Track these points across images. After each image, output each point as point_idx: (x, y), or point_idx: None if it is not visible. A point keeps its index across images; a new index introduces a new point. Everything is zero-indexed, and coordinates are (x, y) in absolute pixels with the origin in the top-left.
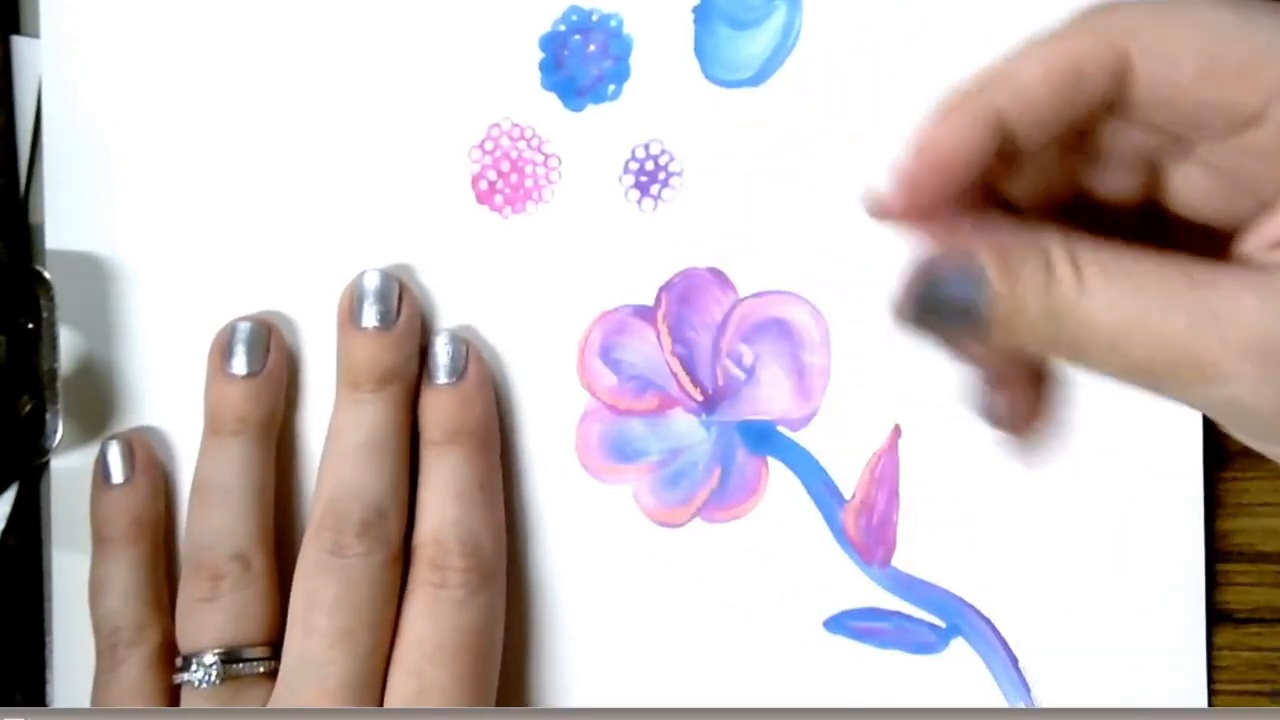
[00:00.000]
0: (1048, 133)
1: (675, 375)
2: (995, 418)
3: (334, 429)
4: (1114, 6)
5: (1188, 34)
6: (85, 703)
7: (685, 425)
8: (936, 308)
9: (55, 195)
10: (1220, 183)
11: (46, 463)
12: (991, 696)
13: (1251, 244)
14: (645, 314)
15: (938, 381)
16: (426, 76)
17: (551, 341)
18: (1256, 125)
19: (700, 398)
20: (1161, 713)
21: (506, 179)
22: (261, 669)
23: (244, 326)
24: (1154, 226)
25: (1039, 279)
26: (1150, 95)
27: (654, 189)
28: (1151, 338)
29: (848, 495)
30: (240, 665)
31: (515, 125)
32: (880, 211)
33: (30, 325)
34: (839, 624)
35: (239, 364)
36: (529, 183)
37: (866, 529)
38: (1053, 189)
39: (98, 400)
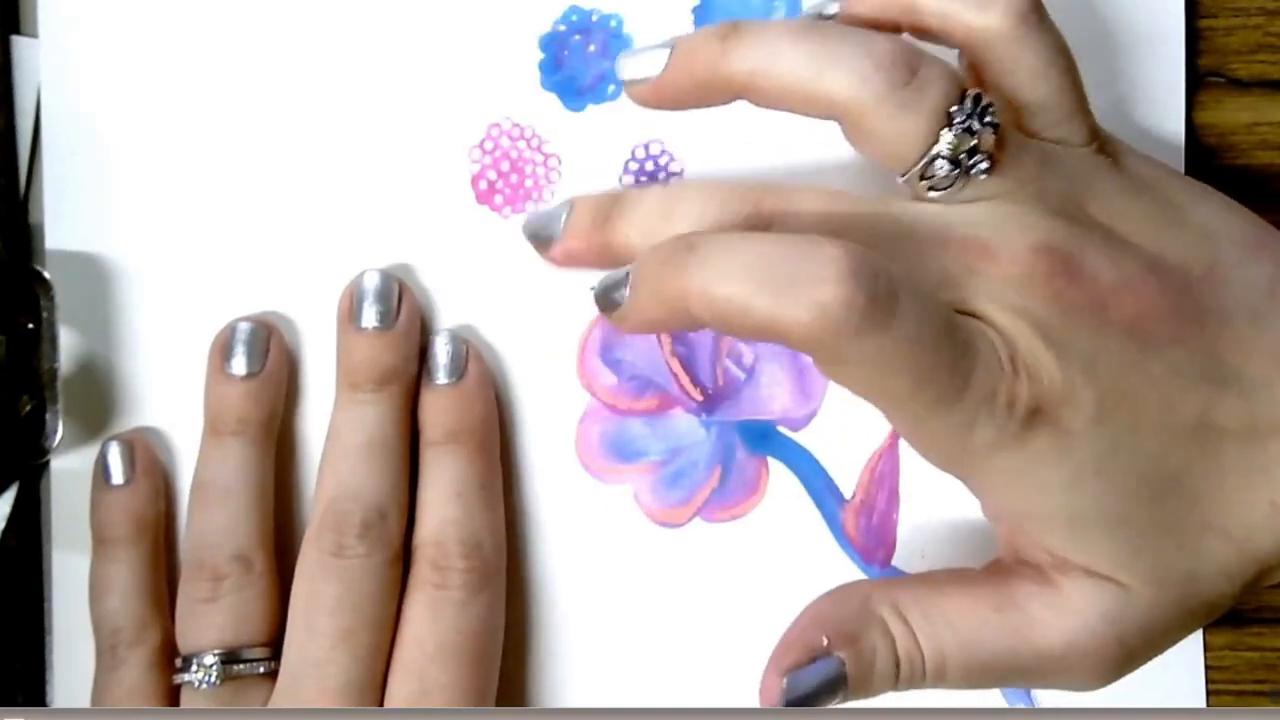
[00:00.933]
0: None
1: (675, 375)
2: None
3: (334, 429)
4: None
5: None
6: (85, 703)
7: (685, 425)
8: (803, 698)
9: (55, 195)
10: None
11: (46, 463)
12: (991, 696)
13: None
14: None
15: None
16: (426, 76)
17: (551, 341)
18: None
19: (700, 398)
20: (1161, 713)
21: (506, 179)
22: (262, 669)
23: (244, 327)
24: None
25: (883, 648)
26: None
27: None
28: (982, 659)
29: (848, 495)
30: (240, 666)
31: (515, 125)
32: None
33: (30, 325)
34: None
35: (239, 364)
36: (529, 183)
37: (866, 529)
38: None
39: (98, 400)
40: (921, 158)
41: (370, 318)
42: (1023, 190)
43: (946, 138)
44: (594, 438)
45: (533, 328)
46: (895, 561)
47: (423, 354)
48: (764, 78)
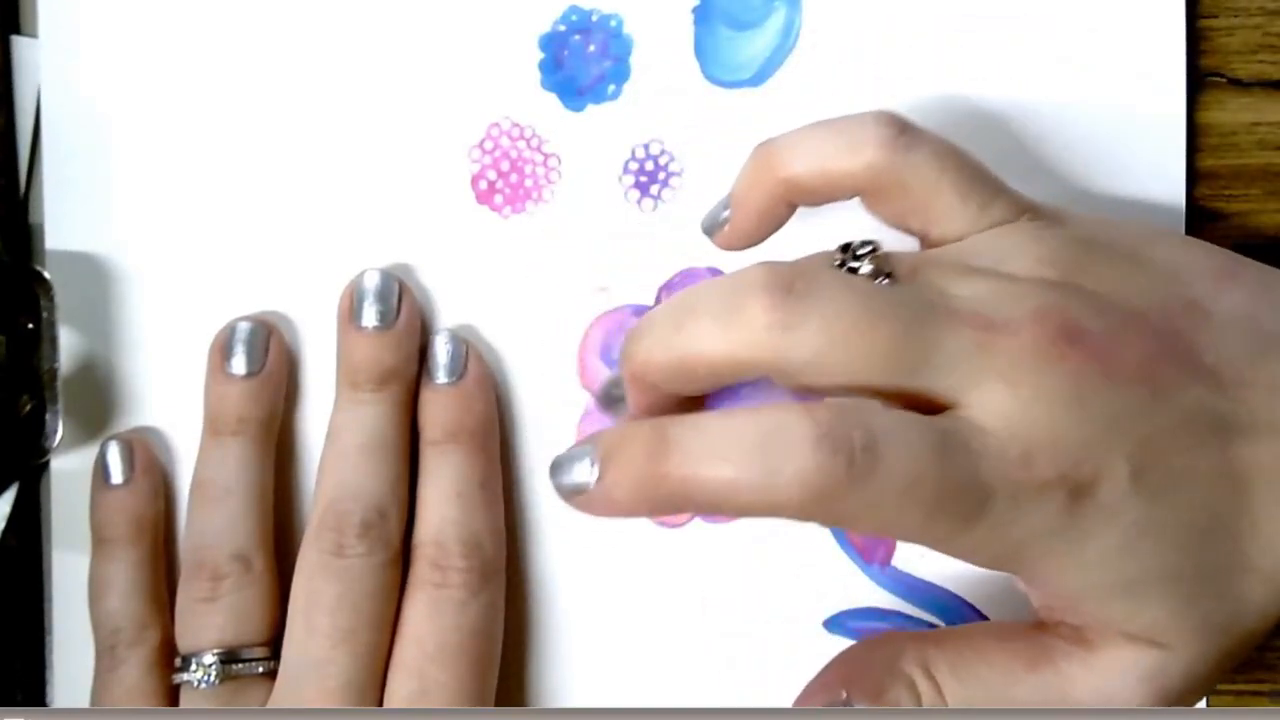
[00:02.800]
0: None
1: None
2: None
3: (334, 429)
4: None
5: None
6: (85, 703)
7: None
8: None
9: (55, 195)
10: None
11: (46, 463)
12: None
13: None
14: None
15: None
16: (426, 76)
17: (551, 341)
18: None
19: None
20: (1161, 713)
21: (506, 179)
22: (261, 669)
23: (243, 326)
24: None
25: (907, 703)
26: None
27: (654, 189)
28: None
29: None
30: (240, 665)
31: (515, 125)
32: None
33: (30, 325)
34: (839, 624)
35: (239, 364)
36: (529, 182)
37: None
38: None
39: (98, 400)
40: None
41: (370, 317)
42: (986, 274)
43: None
44: None
45: (533, 328)
46: (895, 561)
47: (423, 354)
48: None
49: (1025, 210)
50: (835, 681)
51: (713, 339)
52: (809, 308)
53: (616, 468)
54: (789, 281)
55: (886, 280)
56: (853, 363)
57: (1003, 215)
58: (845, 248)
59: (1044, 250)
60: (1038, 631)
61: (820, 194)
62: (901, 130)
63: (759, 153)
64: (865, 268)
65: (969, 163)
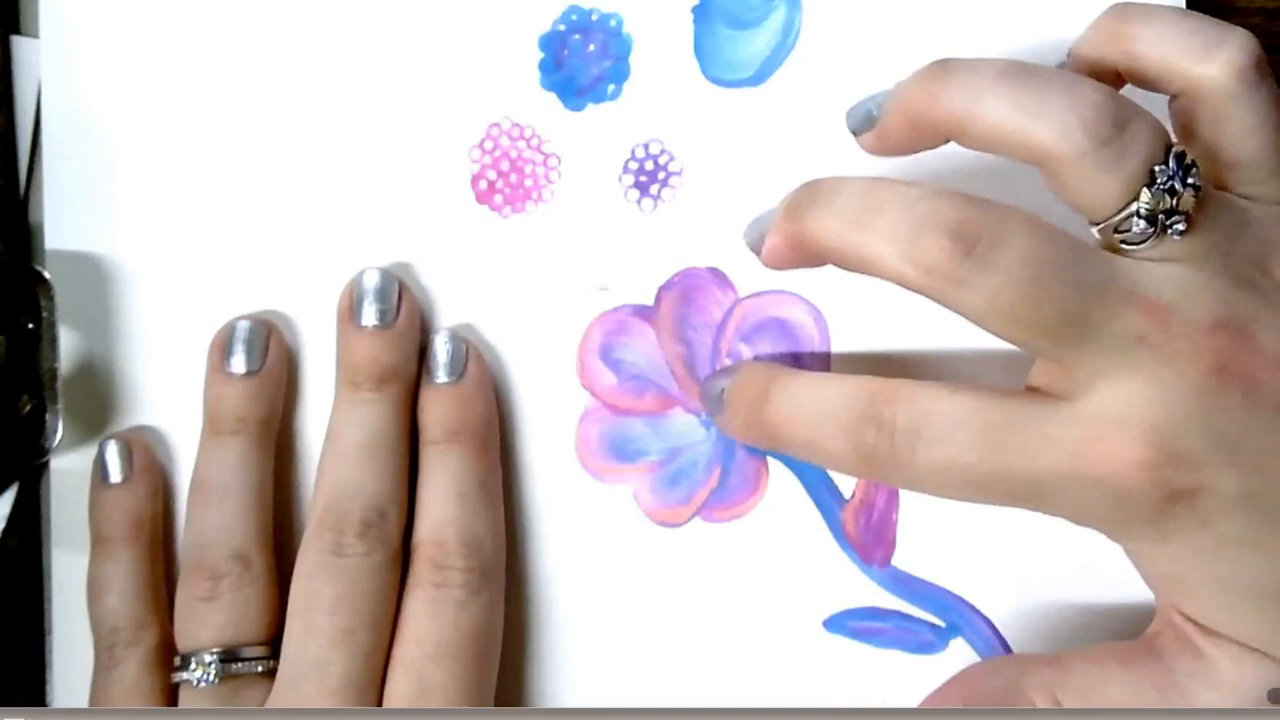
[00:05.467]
0: None
1: (675, 375)
2: None
3: (333, 428)
4: None
5: None
6: (85, 703)
7: (685, 425)
8: None
9: (55, 195)
10: None
11: (46, 463)
12: None
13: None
14: (645, 314)
15: (937, 380)
16: (426, 76)
17: (551, 341)
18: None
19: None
20: (1161, 713)
21: (506, 178)
22: (260, 668)
23: (243, 325)
24: None
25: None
26: None
27: (654, 189)
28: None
29: (847, 495)
30: (239, 664)
31: (515, 125)
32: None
33: (30, 325)
34: (839, 624)
35: (238, 363)
36: (529, 182)
37: (866, 529)
38: None
39: (98, 400)
40: (1118, 213)
41: (370, 316)
42: (1212, 254)
43: (1146, 197)
44: (594, 438)
45: (533, 328)
46: (895, 561)
47: (422, 353)
48: (970, 122)
49: None
50: (953, 697)
51: (885, 254)
52: (985, 271)
53: (732, 404)
54: (975, 234)
55: (1180, 228)
56: (1008, 328)
57: (1269, 193)
58: (1181, 158)
59: (1277, 248)
60: (1160, 651)
61: (1153, 84)
62: (1259, 61)
63: (1107, 17)
64: (1184, 197)
65: None
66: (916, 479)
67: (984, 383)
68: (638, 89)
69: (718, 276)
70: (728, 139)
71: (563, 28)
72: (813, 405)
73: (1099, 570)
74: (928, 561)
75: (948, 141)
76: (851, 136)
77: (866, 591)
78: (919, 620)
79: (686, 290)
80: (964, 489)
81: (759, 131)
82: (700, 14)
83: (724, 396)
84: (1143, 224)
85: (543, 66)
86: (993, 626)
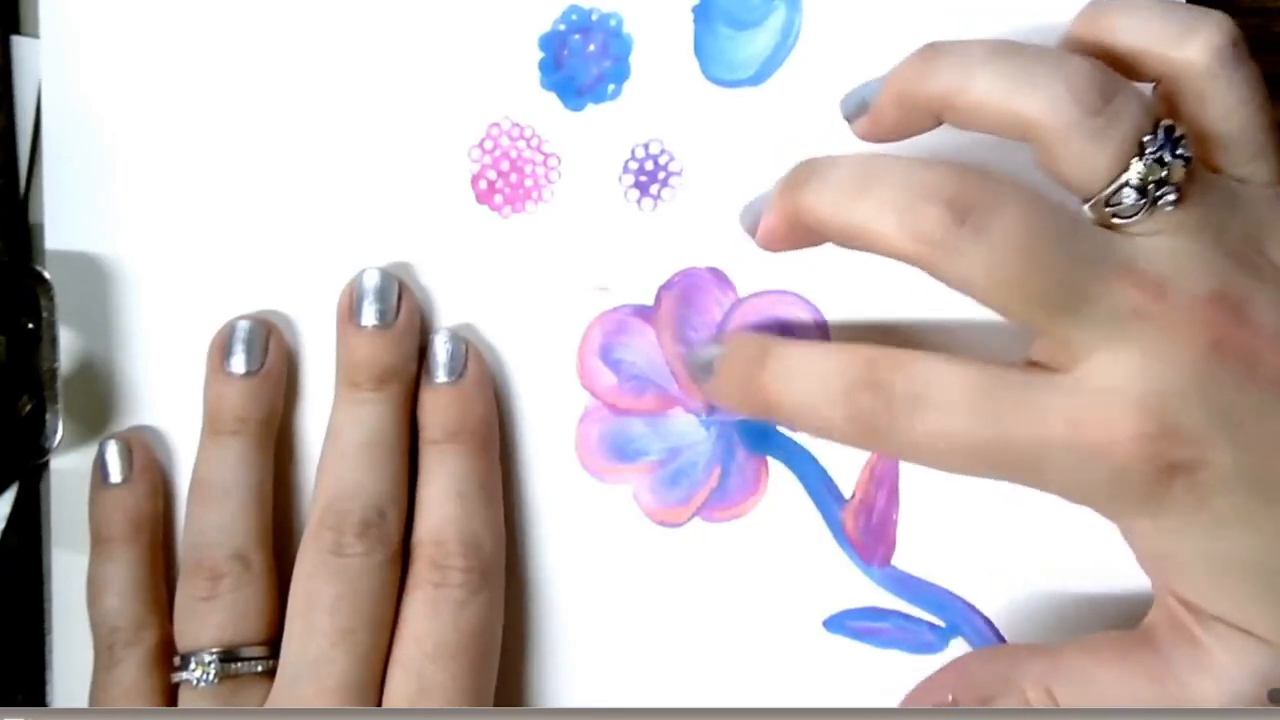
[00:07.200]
0: None
1: (675, 375)
2: None
3: (333, 428)
4: None
5: None
6: (85, 702)
7: (685, 425)
8: None
9: (55, 195)
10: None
11: (46, 463)
12: None
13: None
14: (645, 314)
15: None
16: (426, 76)
17: (551, 341)
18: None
19: (700, 397)
20: (1161, 713)
21: (506, 178)
22: (260, 668)
23: (243, 325)
24: None
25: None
26: None
27: (654, 189)
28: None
29: (847, 495)
30: (238, 664)
31: (515, 125)
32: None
33: (30, 325)
34: (839, 624)
35: (238, 363)
36: (529, 182)
37: (866, 529)
38: None
39: (98, 400)
40: (1109, 185)
41: (370, 316)
42: (1205, 228)
43: (1136, 168)
44: (594, 438)
45: (533, 328)
46: (895, 561)
47: (422, 353)
48: (960, 96)
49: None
50: (945, 684)
51: (881, 225)
52: (979, 241)
53: (724, 370)
54: (970, 203)
55: (1171, 199)
56: (1002, 299)
57: (1258, 174)
58: (1170, 130)
59: (1270, 227)
60: (1156, 640)
61: (1130, 68)
62: (1236, 40)
63: (1086, 11)
64: (1174, 168)
65: (1268, 105)
66: (912, 446)
67: (984, 355)
68: (638, 89)
69: (718, 276)
70: (728, 139)
71: (563, 28)
72: (810, 370)
73: (1099, 571)
74: (928, 561)
75: (940, 124)
76: (852, 137)
77: (866, 591)
78: (919, 620)
79: (686, 290)
80: (960, 458)
81: (759, 131)
82: (700, 14)
83: (714, 364)
84: (1134, 195)
85: (543, 66)
86: (993, 626)
